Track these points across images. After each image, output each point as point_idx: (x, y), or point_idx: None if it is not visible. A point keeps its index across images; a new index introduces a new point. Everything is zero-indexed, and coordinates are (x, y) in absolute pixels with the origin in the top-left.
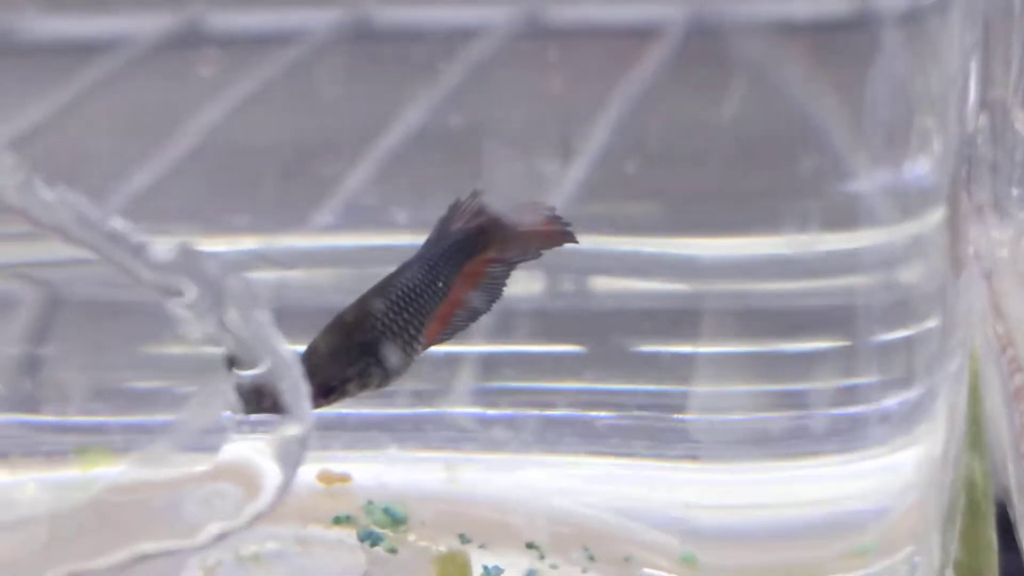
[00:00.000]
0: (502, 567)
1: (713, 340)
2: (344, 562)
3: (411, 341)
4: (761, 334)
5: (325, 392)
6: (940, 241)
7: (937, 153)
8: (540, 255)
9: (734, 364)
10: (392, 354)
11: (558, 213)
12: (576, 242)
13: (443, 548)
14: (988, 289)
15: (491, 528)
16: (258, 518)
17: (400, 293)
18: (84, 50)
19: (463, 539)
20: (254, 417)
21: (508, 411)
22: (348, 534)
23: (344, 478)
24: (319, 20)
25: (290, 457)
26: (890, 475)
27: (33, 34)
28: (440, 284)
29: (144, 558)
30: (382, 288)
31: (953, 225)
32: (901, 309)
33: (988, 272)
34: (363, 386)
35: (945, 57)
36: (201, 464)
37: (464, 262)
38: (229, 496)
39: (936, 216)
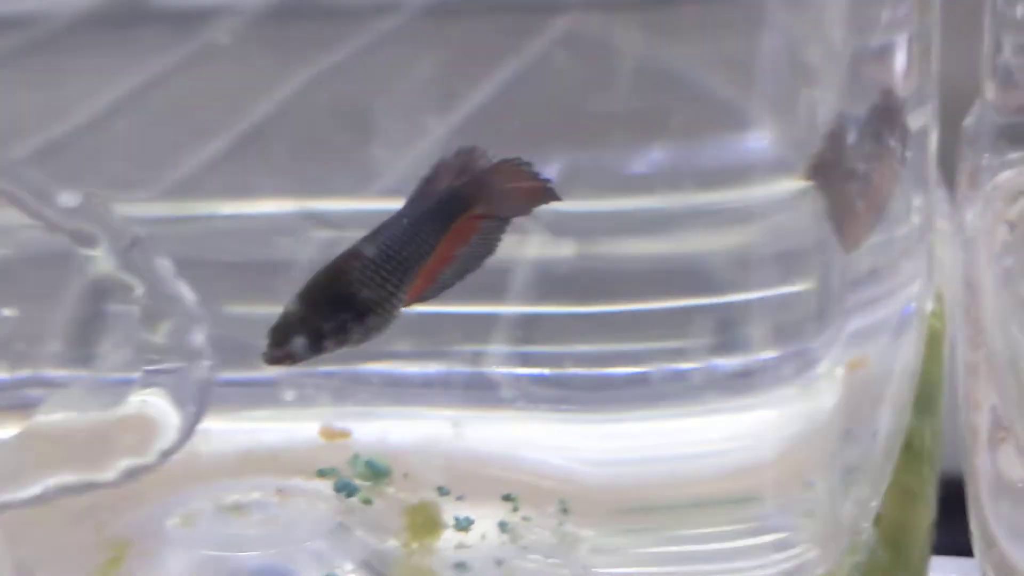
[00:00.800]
0: (473, 518)
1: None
2: (319, 512)
3: (389, 297)
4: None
5: (300, 347)
6: (807, 208)
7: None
8: (529, 212)
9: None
10: (369, 309)
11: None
12: (560, 199)
13: (418, 500)
14: (964, 260)
15: (472, 481)
16: (166, 456)
17: (378, 249)
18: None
19: (441, 491)
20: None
21: (516, 370)
22: (327, 485)
23: (344, 433)
24: None
25: (191, 400)
26: (762, 427)
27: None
28: (422, 242)
29: (63, 489)
30: (361, 244)
31: (838, 193)
32: (762, 271)
33: (964, 243)
34: (341, 342)
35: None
36: (114, 407)
37: (449, 220)
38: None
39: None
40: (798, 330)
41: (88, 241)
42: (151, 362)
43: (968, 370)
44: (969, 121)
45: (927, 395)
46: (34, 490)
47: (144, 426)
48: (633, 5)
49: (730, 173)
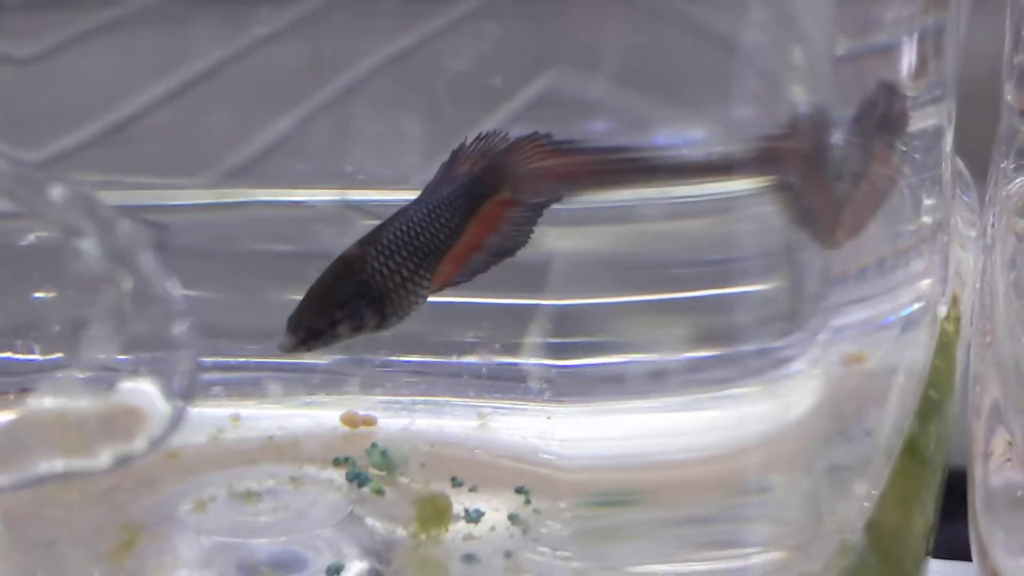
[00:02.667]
0: (483, 510)
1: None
2: (331, 501)
3: (405, 284)
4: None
5: (315, 334)
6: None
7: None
8: (560, 197)
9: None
10: (384, 296)
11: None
12: (591, 184)
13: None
14: (982, 265)
15: (487, 473)
16: (155, 445)
17: (393, 236)
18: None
19: (455, 482)
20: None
21: (544, 361)
22: (340, 474)
23: (368, 421)
24: None
25: (177, 390)
26: (724, 424)
27: None
28: (441, 228)
29: (54, 476)
30: (378, 231)
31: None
32: (732, 267)
33: (983, 248)
34: (357, 328)
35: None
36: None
37: (473, 205)
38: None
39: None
40: (767, 329)
41: (78, 232)
42: (138, 352)
43: (975, 378)
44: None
45: (935, 400)
46: (24, 475)
47: (133, 415)
48: None
49: (706, 168)
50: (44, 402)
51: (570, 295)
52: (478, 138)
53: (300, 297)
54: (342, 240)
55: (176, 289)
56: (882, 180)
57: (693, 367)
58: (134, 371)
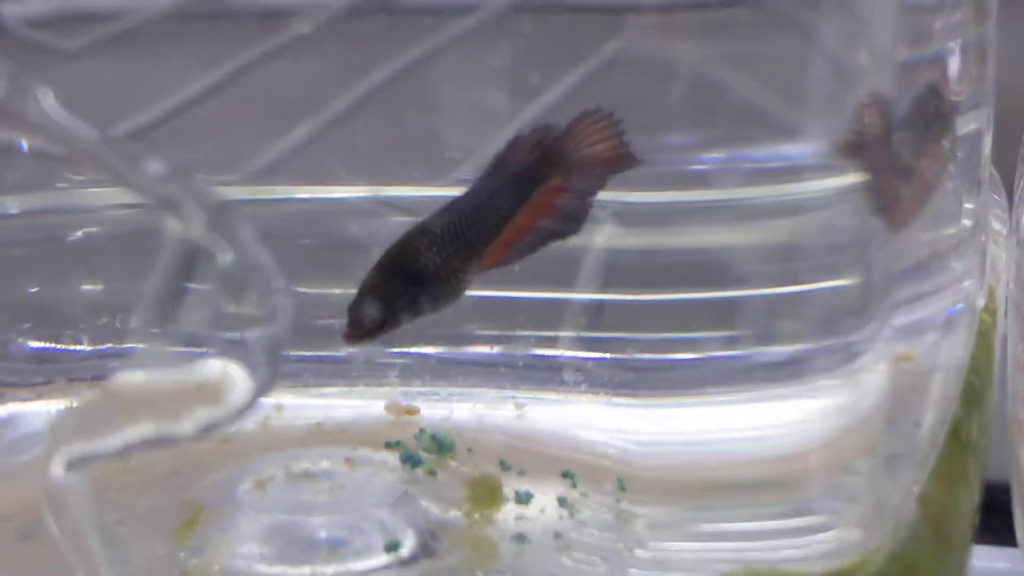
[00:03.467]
0: (532, 493)
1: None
2: (385, 481)
3: (456, 273)
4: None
5: (378, 325)
6: (853, 205)
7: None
8: (605, 183)
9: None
10: (437, 283)
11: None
12: (640, 163)
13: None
14: (1017, 260)
15: (533, 458)
16: (238, 413)
17: (445, 225)
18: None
19: (503, 466)
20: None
21: (579, 354)
22: (393, 456)
23: (412, 410)
24: None
25: (264, 363)
26: (806, 416)
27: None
28: (492, 216)
29: (144, 443)
30: (431, 220)
31: (881, 187)
32: (807, 265)
33: (1018, 243)
34: (415, 314)
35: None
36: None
37: (523, 194)
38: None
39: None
40: (842, 324)
41: (175, 207)
42: (229, 326)
43: (1017, 365)
44: None
45: (976, 388)
46: (116, 443)
47: (218, 386)
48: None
49: (781, 170)
50: (135, 375)
51: (613, 291)
52: (534, 129)
53: (336, 290)
54: (376, 234)
55: (272, 262)
56: (932, 174)
57: (755, 363)
58: (223, 344)
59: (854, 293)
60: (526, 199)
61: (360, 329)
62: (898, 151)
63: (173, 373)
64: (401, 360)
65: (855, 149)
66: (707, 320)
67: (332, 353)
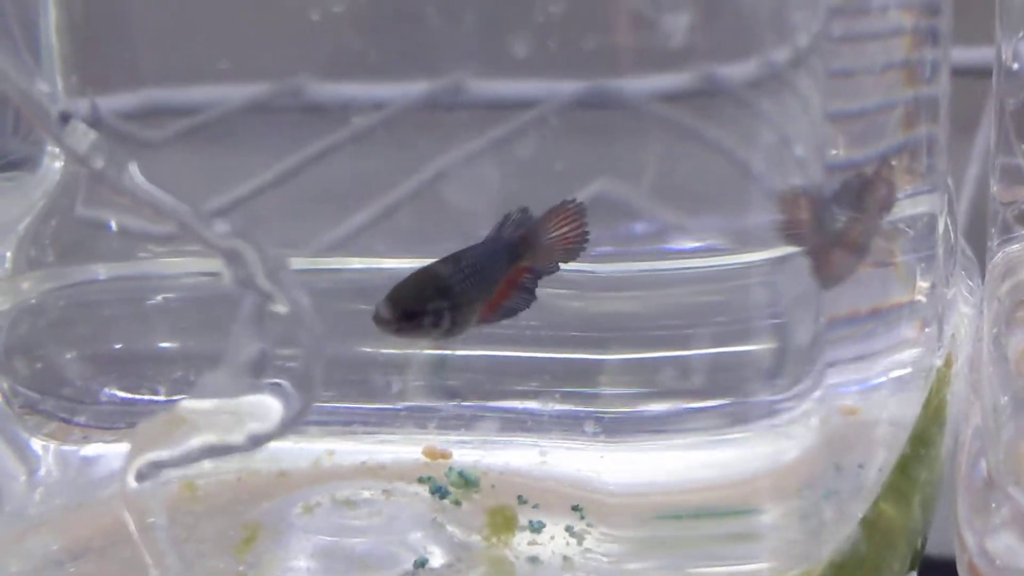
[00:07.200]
0: (544, 522)
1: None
2: (417, 509)
3: (471, 304)
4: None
5: (409, 316)
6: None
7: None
8: (558, 269)
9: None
10: (457, 307)
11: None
12: (583, 250)
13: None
14: (976, 325)
15: (547, 494)
16: (284, 428)
17: (467, 262)
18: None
19: (520, 499)
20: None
21: (595, 409)
22: (424, 489)
23: (445, 454)
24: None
25: (304, 390)
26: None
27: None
28: (493, 272)
29: (205, 451)
30: (457, 256)
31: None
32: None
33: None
34: (435, 325)
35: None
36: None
37: (510, 264)
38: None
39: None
40: (769, 383)
41: (239, 260)
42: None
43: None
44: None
45: (917, 454)
46: (182, 450)
47: (268, 406)
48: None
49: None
50: (199, 400)
51: (614, 352)
52: (521, 210)
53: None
54: None
55: (309, 305)
56: (861, 240)
57: (702, 416)
58: (273, 370)
59: (776, 356)
60: (510, 268)
61: (393, 315)
62: (828, 223)
63: (233, 397)
64: (441, 414)
65: (787, 229)
66: (671, 373)
67: (381, 406)
